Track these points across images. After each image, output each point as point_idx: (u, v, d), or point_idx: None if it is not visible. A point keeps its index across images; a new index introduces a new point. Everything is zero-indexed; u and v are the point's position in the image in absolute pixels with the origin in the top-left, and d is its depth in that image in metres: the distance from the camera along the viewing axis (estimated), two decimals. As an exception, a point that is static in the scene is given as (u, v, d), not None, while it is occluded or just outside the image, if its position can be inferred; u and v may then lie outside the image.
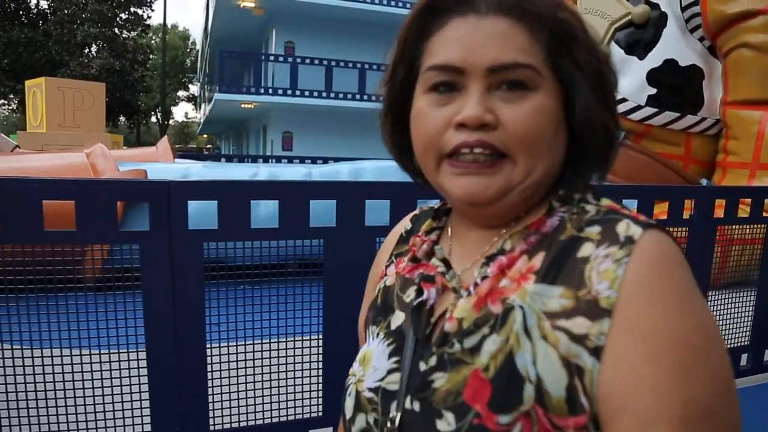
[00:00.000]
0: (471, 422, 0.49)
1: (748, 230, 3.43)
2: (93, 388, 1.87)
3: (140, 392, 1.90)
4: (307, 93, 14.06)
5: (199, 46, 43.40)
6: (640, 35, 6.13)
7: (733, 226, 3.38)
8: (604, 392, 0.46)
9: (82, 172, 4.67)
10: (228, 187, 2.07)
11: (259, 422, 2.11)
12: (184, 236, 1.90)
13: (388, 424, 0.55)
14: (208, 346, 1.95)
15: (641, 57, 6.13)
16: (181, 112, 55.58)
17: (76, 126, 14.89)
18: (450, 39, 0.55)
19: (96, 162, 4.82)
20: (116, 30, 18.89)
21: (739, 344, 3.33)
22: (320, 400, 2.16)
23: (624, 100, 6.26)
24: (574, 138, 0.57)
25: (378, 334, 0.63)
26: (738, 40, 5.82)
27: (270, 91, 13.86)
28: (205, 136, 41.15)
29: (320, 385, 2.15)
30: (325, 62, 14.27)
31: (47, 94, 14.59)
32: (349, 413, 0.61)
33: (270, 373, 2.08)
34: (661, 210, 3.11)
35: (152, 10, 21.71)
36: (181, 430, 1.95)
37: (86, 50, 18.02)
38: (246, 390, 2.06)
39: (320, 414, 2.18)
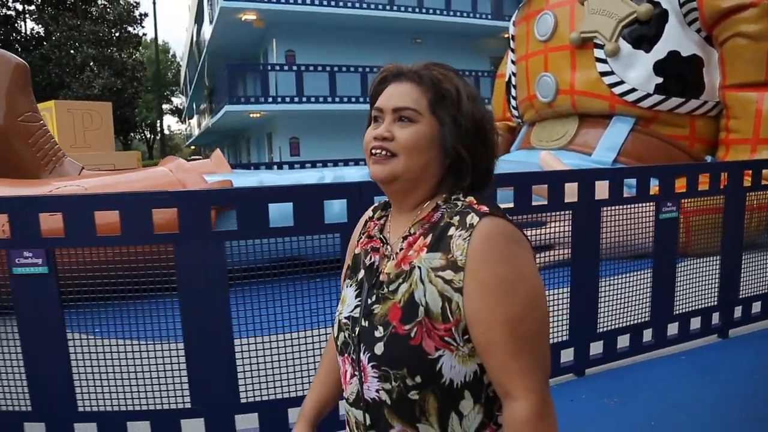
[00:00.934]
0: (390, 331, 0.86)
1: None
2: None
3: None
4: (312, 99, 14.59)
5: (181, 59, 43.45)
6: (645, 31, 6.80)
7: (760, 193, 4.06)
8: (468, 314, 0.82)
9: (171, 186, 5.20)
10: (303, 189, 2.69)
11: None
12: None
13: (355, 338, 0.92)
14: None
15: (647, 50, 6.81)
16: (165, 125, 55.07)
17: (87, 146, 15.19)
18: (383, 95, 0.94)
19: (181, 177, 5.36)
20: (113, 49, 19.18)
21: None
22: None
23: (634, 90, 6.95)
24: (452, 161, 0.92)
25: (351, 285, 0.99)
26: (732, 30, 6.52)
27: (279, 99, 14.33)
28: (192, 147, 41.16)
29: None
30: (328, 68, 14.80)
31: (57, 116, 14.88)
32: (334, 334, 0.99)
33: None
34: (702, 181, 3.73)
35: (143, 27, 21.97)
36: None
37: (86, 71, 18.31)
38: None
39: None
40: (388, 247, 0.95)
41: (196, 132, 29.68)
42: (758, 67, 6.46)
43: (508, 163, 7.20)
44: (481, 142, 0.92)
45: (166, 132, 55.14)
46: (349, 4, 14.71)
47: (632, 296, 3.40)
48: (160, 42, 27.47)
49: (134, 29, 20.99)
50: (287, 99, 14.43)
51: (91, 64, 18.34)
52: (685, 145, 7.10)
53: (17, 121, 6.00)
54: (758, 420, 2.59)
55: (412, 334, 0.84)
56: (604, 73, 7.09)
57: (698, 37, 6.82)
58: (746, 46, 6.47)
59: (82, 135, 15.19)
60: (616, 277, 3.36)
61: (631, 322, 3.40)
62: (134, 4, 20.51)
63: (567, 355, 3.15)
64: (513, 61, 8.88)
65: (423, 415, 0.86)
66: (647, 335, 3.49)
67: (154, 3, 21.69)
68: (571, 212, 3.11)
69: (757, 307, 3.97)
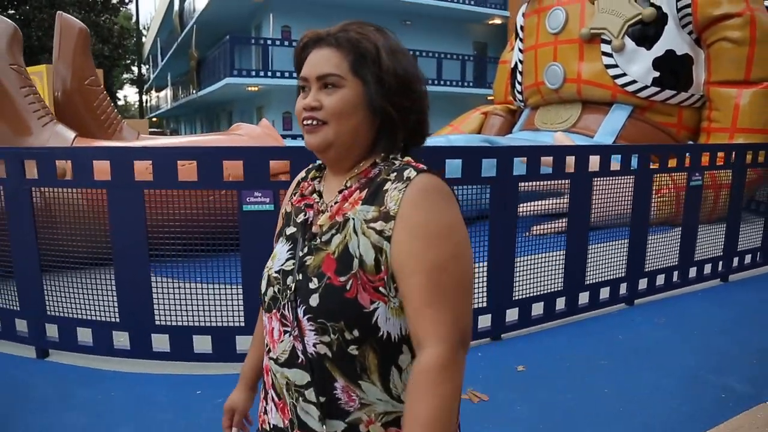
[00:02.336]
0: (325, 282, 0.87)
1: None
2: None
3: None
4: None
5: (144, 28, 42.26)
6: (648, 31, 7.86)
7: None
8: (393, 260, 0.84)
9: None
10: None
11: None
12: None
13: (288, 291, 0.91)
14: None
15: (648, 48, 7.87)
16: (122, 95, 53.43)
17: (79, 111, 15.27)
18: (307, 62, 0.93)
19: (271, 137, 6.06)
20: (96, 14, 18.90)
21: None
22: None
23: (634, 81, 8.02)
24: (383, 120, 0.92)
25: (281, 241, 1.00)
26: (719, 35, 7.66)
27: (277, 74, 14.82)
28: (155, 120, 40.39)
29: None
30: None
31: (49, 81, 14.91)
32: (263, 289, 0.98)
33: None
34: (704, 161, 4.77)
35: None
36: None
37: None
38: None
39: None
40: (323, 202, 0.96)
41: (167, 104, 29.44)
42: (739, 67, 7.62)
43: (518, 140, 8.20)
44: (406, 96, 0.92)
45: (121, 102, 53.55)
46: (349, -15, 15.30)
47: (547, 268, 3.78)
48: (123, 10, 26.76)
49: (116, -5, 20.74)
50: (286, 74, 14.94)
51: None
52: (673, 132, 8.25)
53: (84, 85, 6.46)
54: (656, 368, 3.10)
55: (348, 287, 0.85)
56: (609, 66, 8.13)
57: (690, 38, 7.93)
58: (730, 49, 7.62)
59: (75, 99, 15.21)
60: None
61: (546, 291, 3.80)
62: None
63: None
64: (521, 50, 9.82)
65: (364, 372, 0.87)
66: (560, 303, 3.90)
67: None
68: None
69: (660, 279, 4.51)
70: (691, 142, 8.24)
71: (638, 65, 7.96)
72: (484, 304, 3.52)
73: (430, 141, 6.06)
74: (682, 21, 7.85)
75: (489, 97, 18.80)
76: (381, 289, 0.85)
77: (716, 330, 3.74)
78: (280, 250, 0.98)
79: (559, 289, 3.86)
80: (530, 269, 3.74)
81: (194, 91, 19.33)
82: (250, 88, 15.42)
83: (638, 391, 2.84)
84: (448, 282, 0.82)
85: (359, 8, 16.54)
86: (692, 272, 4.76)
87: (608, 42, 8.07)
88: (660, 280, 4.52)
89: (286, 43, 15.31)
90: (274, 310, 0.94)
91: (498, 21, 18.93)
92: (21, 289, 3.28)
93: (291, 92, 12.68)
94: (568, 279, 3.88)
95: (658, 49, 7.84)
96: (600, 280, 4.10)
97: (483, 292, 3.51)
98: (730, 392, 2.82)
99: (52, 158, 3.05)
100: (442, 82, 17.45)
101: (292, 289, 0.90)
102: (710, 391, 2.84)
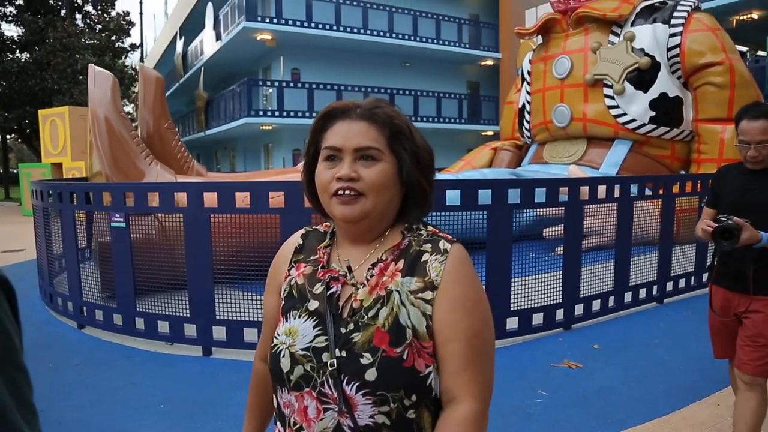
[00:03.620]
0: (381, 356, 0.90)
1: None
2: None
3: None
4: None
5: (136, 67, 43.02)
6: (644, 77, 9.03)
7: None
8: (435, 328, 0.93)
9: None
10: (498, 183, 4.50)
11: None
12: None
13: (328, 367, 0.91)
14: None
15: (645, 91, 9.03)
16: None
17: (97, 151, 15.96)
18: (336, 132, 0.98)
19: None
20: (109, 56, 19.72)
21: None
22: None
23: (633, 120, 9.15)
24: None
25: (299, 316, 0.99)
26: (704, 80, 8.85)
27: (285, 113, 15.81)
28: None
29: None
30: (335, 86, 16.45)
31: (71, 122, 15.62)
32: (286, 367, 0.96)
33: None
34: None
35: (131, 36, 22.46)
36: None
37: (84, 78, 18.64)
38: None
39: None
40: (353, 276, 0.99)
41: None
42: (722, 107, 8.80)
43: (533, 172, 9.23)
44: (432, 170, 1.02)
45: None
46: (355, 30, 16.47)
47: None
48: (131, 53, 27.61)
49: (124, 39, 21.62)
50: (298, 113, 15.92)
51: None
52: (667, 163, 9.37)
53: (164, 128, 7.32)
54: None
55: (405, 356, 0.90)
56: (611, 107, 9.26)
57: (679, 82, 9.12)
58: (714, 92, 8.81)
59: (94, 140, 15.93)
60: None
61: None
62: (125, 14, 21.18)
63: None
64: (528, 92, 10.96)
65: (420, 431, 0.92)
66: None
67: (141, 14, 22.52)
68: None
69: (596, 305, 4.75)
70: (683, 172, 9.36)
71: (636, 106, 9.10)
72: (559, 300, 4.44)
73: (463, 174, 7.20)
74: (673, 68, 9.04)
75: (483, 133, 20.08)
76: (434, 354, 0.93)
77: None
78: (303, 326, 0.98)
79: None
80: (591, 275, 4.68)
81: (202, 131, 20.16)
82: (263, 127, 16.34)
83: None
84: (481, 347, 0.93)
85: (364, 52, 17.75)
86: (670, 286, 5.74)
87: (610, 86, 9.22)
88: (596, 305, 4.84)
89: (297, 84, 16.33)
90: (307, 389, 0.94)
91: (490, 62, 20.31)
92: (192, 299, 4.07)
93: (300, 131, 13.86)
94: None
95: (653, 92, 9.00)
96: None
97: (559, 290, 4.42)
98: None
99: (231, 191, 3.90)
100: (441, 120, 18.64)
101: (334, 365, 0.91)
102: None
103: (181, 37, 22.89)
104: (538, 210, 5.03)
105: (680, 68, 9.00)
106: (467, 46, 19.30)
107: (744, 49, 16.29)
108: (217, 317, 4.02)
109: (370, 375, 0.89)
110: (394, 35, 17.29)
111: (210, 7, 18.20)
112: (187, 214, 3.96)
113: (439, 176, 8.49)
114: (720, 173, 2.67)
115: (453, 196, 4.00)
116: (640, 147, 9.36)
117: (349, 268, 0.99)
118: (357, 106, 1.00)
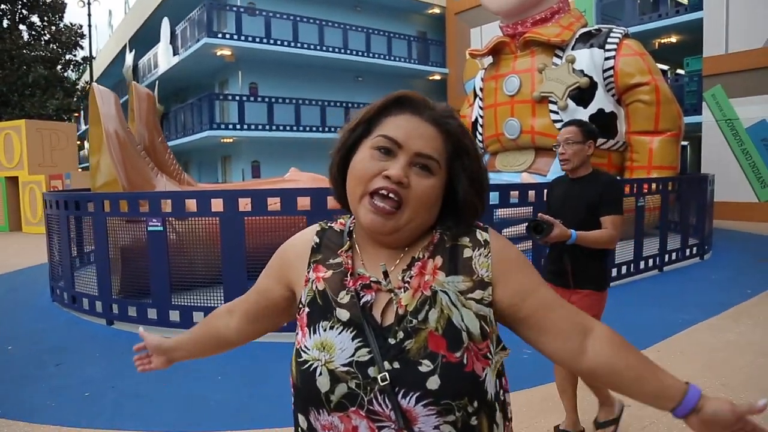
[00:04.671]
0: (441, 361, 0.85)
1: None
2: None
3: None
4: (281, 127, 16.77)
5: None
6: (584, 94, 10.23)
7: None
8: (512, 296, 0.93)
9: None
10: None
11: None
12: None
13: (379, 382, 0.84)
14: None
15: (585, 107, 10.23)
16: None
17: (53, 165, 16.05)
18: (400, 124, 0.91)
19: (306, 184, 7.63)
20: (61, 69, 19.45)
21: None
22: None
23: (575, 132, 10.33)
24: (455, 204, 0.96)
25: (332, 327, 0.91)
26: (634, 98, 10.14)
27: (251, 127, 16.31)
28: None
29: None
30: (294, 101, 17.08)
31: (27, 135, 15.54)
32: (325, 387, 0.87)
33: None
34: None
35: (82, 49, 22.15)
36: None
37: (36, 91, 18.27)
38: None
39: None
40: (389, 281, 0.92)
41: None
42: (649, 121, 10.11)
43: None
44: (488, 196, 0.99)
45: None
46: (312, 47, 17.18)
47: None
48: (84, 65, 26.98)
49: (76, 52, 21.38)
50: (258, 126, 16.44)
51: (41, 83, 18.51)
52: (605, 170, 10.60)
53: (158, 142, 7.84)
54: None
55: (465, 361, 0.86)
56: (556, 120, 10.41)
57: (613, 99, 10.38)
58: (643, 108, 10.11)
59: (50, 154, 16.03)
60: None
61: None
62: (77, 27, 20.98)
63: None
64: (481, 107, 12.02)
65: None
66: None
67: (89, 26, 22.31)
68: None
69: None
70: (618, 177, 10.62)
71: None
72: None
73: None
74: (608, 87, 10.30)
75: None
76: (488, 354, 0.89)
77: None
78: (339, 338, 0.90)
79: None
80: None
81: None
82: (224, 140, 16.75)
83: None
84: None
85: (319, 67, 18.47)
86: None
87: (555, 103, 10.38)
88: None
89: (258, 98, 16.87)
90: (353, 408, 0.86)
91: (438, 77, 21.47)
92: (227, 292, 4.71)
93: (259, 143, 14.54)
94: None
95: (592, 108, 10.22)
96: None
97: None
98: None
99: (264, 196, 4.58)
100: (393, 131, 19.57)
101: (387, 379, 0.85)
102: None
103: (131, 50, 22.83)
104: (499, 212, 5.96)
105: (614, 87, 10.26)
106: (416, 61, 20.37)
107: (665, 67, 18.18)
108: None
109: (433, 383, 0.84)
110: (348, 51, 18.11)
111: (166, 21, 18.44)
112: (223, 218, 4.61)
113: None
114: (550, 184, 3.02)
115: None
116: (582, 156, 10.54)
117: (386, 274, 0.93)
118: (429, 107, 0.94)
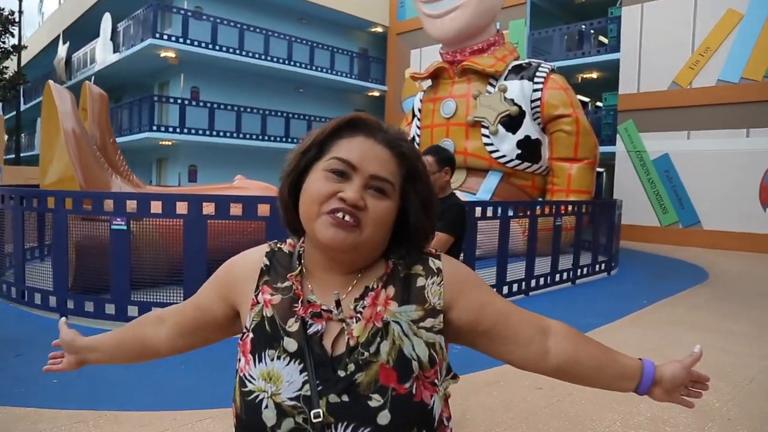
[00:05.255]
0: (391, 395, 0.85)
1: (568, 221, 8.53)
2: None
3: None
4: (221, 133, 16.87)
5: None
6: (513, 121, 11.17)
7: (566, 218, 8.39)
8: (471, 313, 0.95)
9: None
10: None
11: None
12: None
13: (320, 418, 0.83)
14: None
15: (513, 133, 11.18)
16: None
17: (-21, 158, 15.30)
18: (354, 147, 0.91)
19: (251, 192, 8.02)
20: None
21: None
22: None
23: (504, 156, 11.25)
24: (405, 228, 0.96)
25: (279, 357, 0.88)
26: (557, 127, 11.19)
27: (192, 131, 16.32)
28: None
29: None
30: (235, 107, 17.24)
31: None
32: (271, 421, 0.85)
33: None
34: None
35: (14, 36, 21.08)
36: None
37: None
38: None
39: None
40: (341, 311, 0.91)
41: (34, 150, 28.43)
42: (569, 149, 11.18)
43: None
44: (436, 219, 0.99)
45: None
46: (257, 56, 17.44)
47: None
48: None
49: (6, 39, 20.40)
50: (199, 131, 16.48)
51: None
52: (529, 192, 11.59)
53: (110, 143, 8.00)
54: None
55: (414, 391, 0.86)
56: (486, 144, 11.30)
57: (539, 127, 11.40)
58: (564, 137, 11.18)
59: (-24, 146, 15.34)
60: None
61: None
62: (9, 13, 20.08)
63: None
64: (418, 127, 12.77)
65: None
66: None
67: (20, 12, 21.45)
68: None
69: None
70: (540, 199, 11.63)
71: (507, 144, 11.22)
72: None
73: None
74: (534, 116, 11.31)
75: (369, 157, 21.83)
76: (436, 381, 0.90)
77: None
78: (286, 370, 0.88)
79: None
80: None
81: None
82: (162, 143, 16.65)
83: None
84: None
85: (262, 74, 18.74)
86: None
87: (486, 127, 11.27)
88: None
89: (199, 103, 16.92)
90: None
91: (377, 93, 22.22)
92: (187, 288, 5.06)
93: (198, 148, 14.71)
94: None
95: (520, 134, 11.19)
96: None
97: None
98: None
99: (227, 202, 4.99)
100: (332, 143, 20.08)
101: (321, 416, 0.83)
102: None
103: (64, 42, 22.16)
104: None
105: (540, 117, 11.28)
106: (357, 77, 21.02)
107: (586, 99, 19.76)
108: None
109: (383, 418, 0.84)
110: (292, 63, 18.50)
111: (107, 17, 18.14)
112: (187, 220, 4.98)
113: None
114: None
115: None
116: (509, 178, 11.48)
117: (338, 303, 0.91)
118: (383, 130, 0.95)
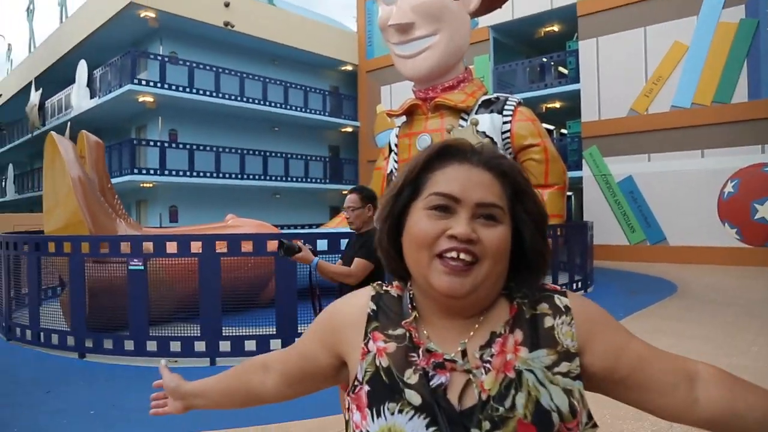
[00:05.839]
0: None
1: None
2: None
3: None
4: (201, 174, 17.19)
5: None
6: (486, 153, 11.84)
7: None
8: (608, 357, 0.85)
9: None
10: None
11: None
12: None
13: None
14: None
15: (487, 163, 11.84)
16: None
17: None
18: (451, 177, 0.84)
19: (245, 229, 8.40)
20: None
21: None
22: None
23: (480, 185, 11.89)
24: (522, 255, 0.88)
25: (401, 411, 0.82)
26: (527, 156, 11.89)
27: (173, 172, 16.60)
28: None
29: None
30: (213, 148, 17.61)
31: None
32: None
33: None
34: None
35: None
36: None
37: None
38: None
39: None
40: (467, 361, 0.84)
41: (3, 196, 28.18)
42: (540, 177, 11.87)
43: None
44: (546, 237, 0.90)
45: None
46: (233, 97, 17.94)
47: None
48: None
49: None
50: (179, 173, 16.78)
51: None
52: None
53: (107, 187, 8.33)
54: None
55: None
56: (463, 174, 11.93)
57: (510, 157, 12.09)
58: (535, 165, 11.86)
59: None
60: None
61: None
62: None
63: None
64: (395, 161, 13.35)
65: None
66: None
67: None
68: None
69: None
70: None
71: (482, 174, 11.86)
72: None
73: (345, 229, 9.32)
74: (505, 146, 12.01)
75: (343, 192, 22.34)
76: None
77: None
78: (411, 426, 0.81)
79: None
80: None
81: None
82: (143, 185, 16.86)
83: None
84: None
85: (238, 116, 19.20)
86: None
87: (462, 159, 11.92)
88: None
89: (179, 145, 17.26)
90: None
91: (350, 129, 22.88)
92: (204, 322, 5.40)
93: (178, 189, 15.09)
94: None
95: (493, 164, 11.86)
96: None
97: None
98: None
99: (238, 240, 5.40)
100: (309, 180, 20.57)
101: None
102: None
103: (37, 89, 22.28)
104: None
105: (511, 147, 11.98)
106: (329, 114, 21.66)
107: (551, 127, 20.79)
108: (224, 334, 5.42)
109: None
110: (267, 103, 19.04)
111: (83, 64, 18.44)
112: (201, 258, 5.36)
113: (321, 230, 10.37)
114: (350, 237, 3.61)
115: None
116: (485, 206, 12.10)
117: (464, 353, 0.84)
118: (475, 151, 0.89)
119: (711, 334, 6.21)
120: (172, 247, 5.46)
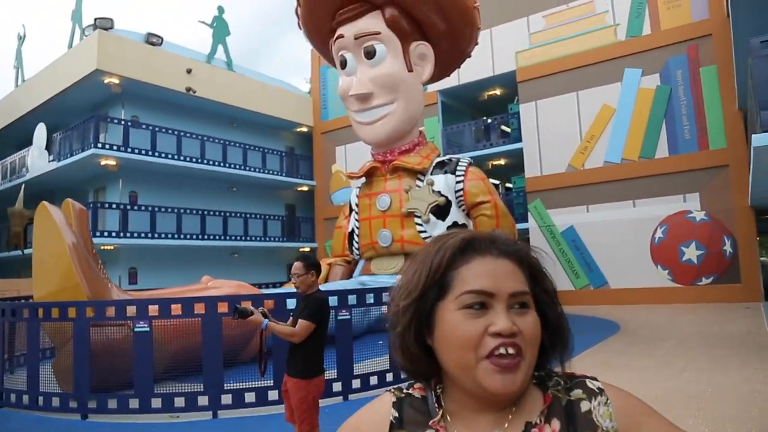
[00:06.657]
0: None
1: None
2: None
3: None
4: (162, 235, 17.45)
5: None
6: (442, 210, 12.82)
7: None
8: None
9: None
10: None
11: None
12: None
13: None
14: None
15: (443, 220, 12.77)
16: None
17: None
18: (479, 273, 0.83)
19: (223, 291, 8.92)
20: None
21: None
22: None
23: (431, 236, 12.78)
24: (546, 332, 0.87)
25: None
26: (479, 212, 12.94)
27: (134, 234, 16.81)
28: None
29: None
30: (174, 209, 17.96)
31: None
32: None
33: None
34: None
35: None
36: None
37: None
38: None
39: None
40: None
41: None
42: (490, 230, 12.90)
43: (373, 282, 12.23)
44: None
45: None
46: (194, 160, 18.48)
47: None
48: None
49: None
50: (141, 234, 17.00)
51: None
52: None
53: (93, 253, 8.71)
54: None
55: None
56: (420, 231, 12.81)
57: (464, 214, 13.10)
58: (486, 220, 12.89)
59: None
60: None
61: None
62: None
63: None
64: (357, 220, 14.16)
65: None
66: None
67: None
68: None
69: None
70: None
71: (438, 231, 12.78)
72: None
73: (326, 286, 10.38)
74: (459, 204, 13.03)
75: (300, 249, 22.92)
76: None
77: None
78: None
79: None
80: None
81: (20, 250, 19.49)
82: (104, 247, 16.94)
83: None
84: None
85: (197, 177, 19.69)
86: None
87: (419, 217, 12.84)
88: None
89: (141, 207, 17.54)
90: None
91: (305, 188, 23.67)
92: (207, 377, 5.90)
93: (138, 250, 15.46)
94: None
95: (449, 221, 12.81)
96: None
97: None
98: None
99: (237, 300, 5.98)
100: (267, 239, 21.08)
101: None
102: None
103: (-12, 154, 22.11)
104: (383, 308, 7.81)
105: (464, 204, 13.01)
106: (286, 174, 22.43)
107: (497, 182, 22.22)
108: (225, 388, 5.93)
109: None
110: (226, 164, 19.66)
111: (42, 127, 18.64)
112: (205, 318, 5.91)
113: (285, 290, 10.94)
114: (298, 299, 4.03)
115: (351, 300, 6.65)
116: (443, 258, 12.98)
117: None
118: (493, 241, 0.89)
119: (650, 365, 7.15)
120: (176, 309, 5.98)
